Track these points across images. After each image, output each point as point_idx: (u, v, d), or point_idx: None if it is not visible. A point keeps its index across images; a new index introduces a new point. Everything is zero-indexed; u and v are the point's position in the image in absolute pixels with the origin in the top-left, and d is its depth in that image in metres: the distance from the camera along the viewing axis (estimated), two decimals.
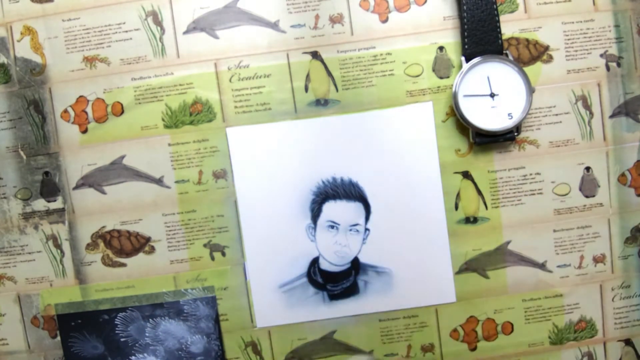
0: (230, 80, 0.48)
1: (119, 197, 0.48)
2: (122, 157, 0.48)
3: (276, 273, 0.48)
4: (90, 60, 0.48)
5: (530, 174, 0.48)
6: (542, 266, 0.49)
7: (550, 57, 0.48)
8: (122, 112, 0.48)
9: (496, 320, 0.49)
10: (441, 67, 0.48)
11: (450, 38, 0.47)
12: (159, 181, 0.48)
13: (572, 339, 0.50)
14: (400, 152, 0.48)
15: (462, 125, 0.47)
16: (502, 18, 0.47)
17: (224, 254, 0.49)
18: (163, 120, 0.48)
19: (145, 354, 0.49)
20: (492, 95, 0.46)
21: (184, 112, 0.48)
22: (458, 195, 0.48)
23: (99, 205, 0.48)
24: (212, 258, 0.49)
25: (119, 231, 0.49)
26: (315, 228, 0.48)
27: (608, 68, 0.48)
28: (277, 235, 0.48)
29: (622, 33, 0.48)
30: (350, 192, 0.48)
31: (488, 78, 0.45)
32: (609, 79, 0.48)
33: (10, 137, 0.49)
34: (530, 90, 0.45)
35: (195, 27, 0.48)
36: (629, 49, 0.48)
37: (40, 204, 0.49)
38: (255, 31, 0.47)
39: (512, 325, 0.49)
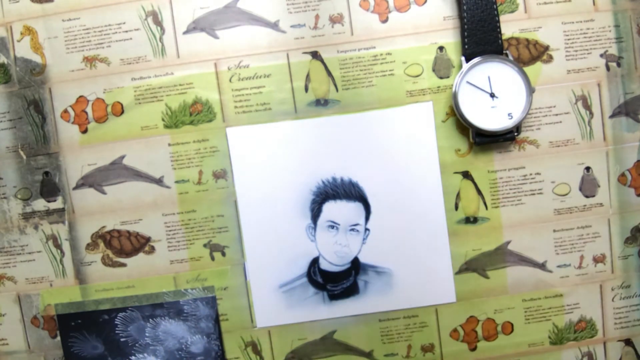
0: (230, 80, 0.48)
1: (119, 197, 0.48)
2: (122, 157, 0.48)
3: (276, 273, 0.48)
4: (90, 60, 0.48)
5: (530, 174, 0.48)
6: (542, 266, 0.49)
7: (550, 57, 0.48)
8: (122, 112, 0.48)
9: (496, 320, 0.49)
10: (441, 67, 0.48)
11: (450, 38, 0.47)
12: (159, 181, 0.48)
13: (572, 339, 0.50)
14: (400, 152, 0.48)
15: (462, 125, 0.47)
16: (502, 18, 0.47)
17: (224, 254, 0.49)
18: (163, 120, 0.48)
19: (145, 354, 0.49)
20: (492, 95, 0.46)
21: (184, 112, 0.48)
22: (458, 195, 0.48)
23: (99, 205, 0.48)
24: (212, 258, 0.49)
25: (119, 231, 0.49)
26: (315, 228, 0.48)
27: (608, 68, 0.48)
28: (277, 235, 0.48)
29: (622, 33, 0.48)
30: (350, 192, 0.48)
31: (488, 78, 0.45)
32: (609, 79, 0.48)
33: (10, 137, 0.49)
34: (530, 90, 0.45)
35: (195, 27, 0.48)
36: (629, 49, 0.48)
37: (40, 204, 0.49)
38: (255, 31, 0.47)
39: (512, 325, 0.49)
